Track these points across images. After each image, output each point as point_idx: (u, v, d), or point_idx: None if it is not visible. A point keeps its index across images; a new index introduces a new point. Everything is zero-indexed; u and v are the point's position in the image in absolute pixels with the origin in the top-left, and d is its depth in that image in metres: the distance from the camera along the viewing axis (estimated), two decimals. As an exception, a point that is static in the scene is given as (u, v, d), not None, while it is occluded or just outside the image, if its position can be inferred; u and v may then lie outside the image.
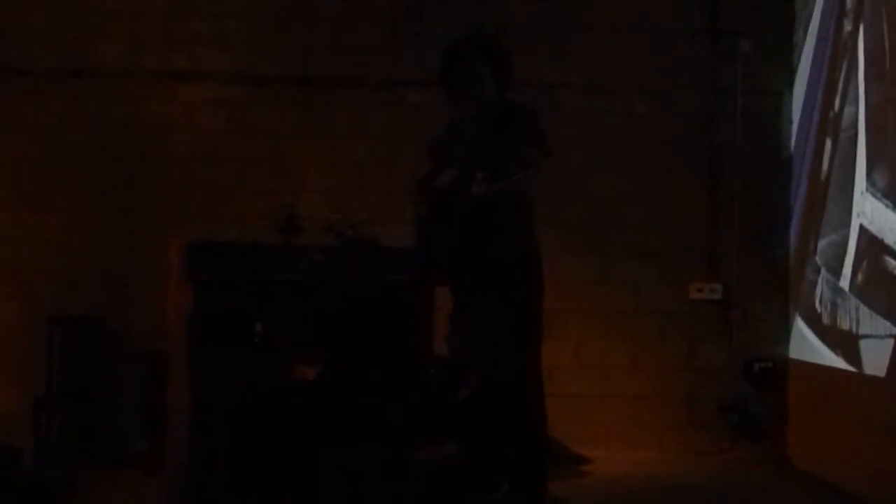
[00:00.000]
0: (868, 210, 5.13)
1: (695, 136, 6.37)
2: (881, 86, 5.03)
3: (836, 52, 5.73)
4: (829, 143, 5.74)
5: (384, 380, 4.63)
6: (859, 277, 5.28)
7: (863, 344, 5.27)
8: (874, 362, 5.08)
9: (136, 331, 5.95)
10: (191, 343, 4.57)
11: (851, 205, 5.32)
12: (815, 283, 5.91)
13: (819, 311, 5.88)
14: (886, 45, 4.96)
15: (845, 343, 5.47)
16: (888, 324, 4.85)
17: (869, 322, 5.15)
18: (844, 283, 5.43)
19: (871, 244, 5.07)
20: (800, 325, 6.16)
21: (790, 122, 6.33)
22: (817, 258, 5.86)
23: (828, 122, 5.82)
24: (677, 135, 6.35)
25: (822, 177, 5.85)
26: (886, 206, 4.87)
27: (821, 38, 5.97)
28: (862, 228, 5.20)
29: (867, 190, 5.14)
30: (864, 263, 5.23)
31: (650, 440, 6.25)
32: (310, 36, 6.28)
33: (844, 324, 5.54)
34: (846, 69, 5.54)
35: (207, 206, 6.14)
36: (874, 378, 5.11)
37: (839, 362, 5.59)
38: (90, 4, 6.25)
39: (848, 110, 5.44)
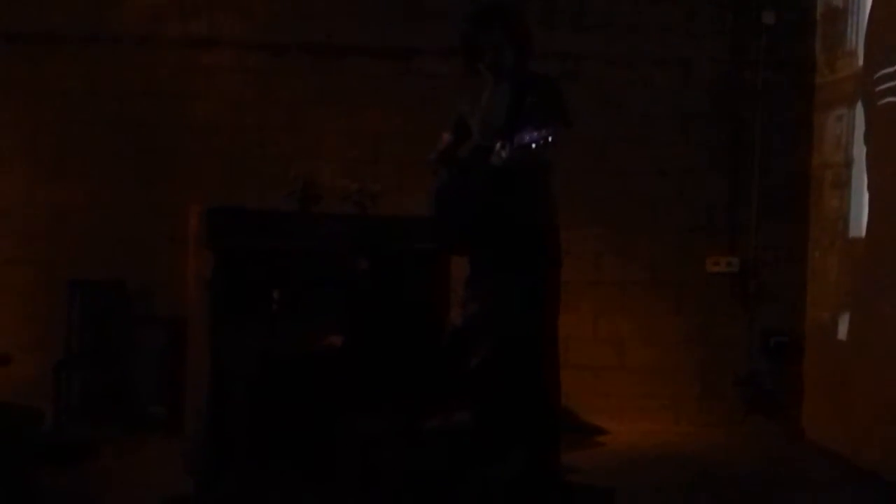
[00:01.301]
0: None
1: (716, 108, 6.33)
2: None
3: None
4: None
5: (400, 348, 4.66)
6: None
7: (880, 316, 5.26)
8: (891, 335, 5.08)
9: (155, 296, 6.00)
10: (209, 309, 4.59)
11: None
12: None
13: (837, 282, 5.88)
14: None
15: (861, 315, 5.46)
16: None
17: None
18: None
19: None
20: (817, 299, 6.16)
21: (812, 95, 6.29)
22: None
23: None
24: (698, 107, 6.31)
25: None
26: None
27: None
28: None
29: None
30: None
31: (665, 412, 6.26)
32: (330, 4, 6.26)
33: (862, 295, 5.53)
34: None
35: (226, 174, 6.15)
36: (890, 352, 5.10)
37: (855, 335, 5.59)
38: (110, -30, 6.25)
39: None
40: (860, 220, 5.69)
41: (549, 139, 3.98)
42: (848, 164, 5.85)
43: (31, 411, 4.72)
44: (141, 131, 6.20)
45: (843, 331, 5.78)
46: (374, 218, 4.97)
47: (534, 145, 3.99)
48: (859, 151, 5.72)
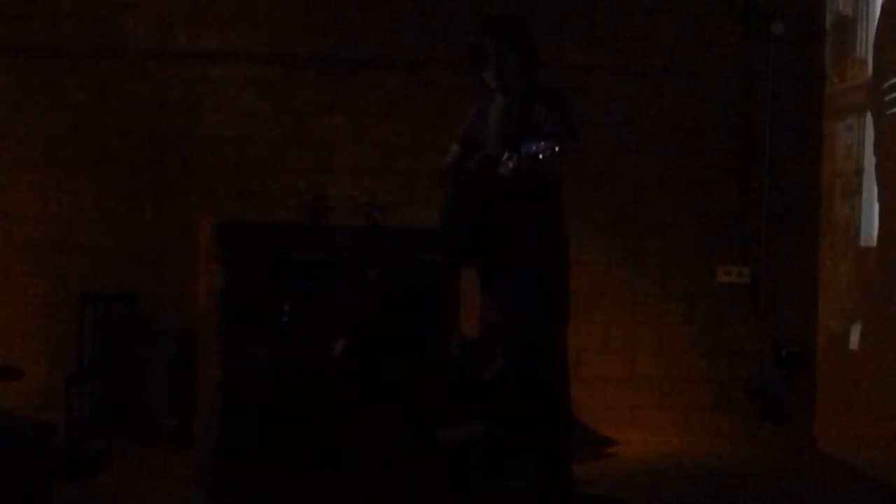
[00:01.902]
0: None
1: (725, 119, 6.33)
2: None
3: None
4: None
5: (410, 360, 4.66)
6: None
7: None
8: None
9: (166, 309, 6.01)
10: (220, 321, 4.60)
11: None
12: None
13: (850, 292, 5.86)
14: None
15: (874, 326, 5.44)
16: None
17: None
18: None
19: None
20: (829, 308, 6.14)
21: (822, 105, 6.28)
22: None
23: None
24: (708, 118, 6.31)
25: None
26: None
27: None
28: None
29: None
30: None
31: (677, 423, 6.24)
32: (339, 16, 6.28)
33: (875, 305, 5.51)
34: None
35: (237, 186, 6.18)
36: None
37: (867, 345, 5.56)
38: (120, -16, 6.29)
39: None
40: (871, 230, 5.68)
41: (556, 150, 3.98)
42: (859, 173, 5.83)
43: (42, 424, 4.72)
44: (151, 144, 6.23)
45: (855, 340, 5.76)
46: (385, 229, 4.98)
47: (541, 156, 4.00)
48: (870, 160, 5.71)
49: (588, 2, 6.29)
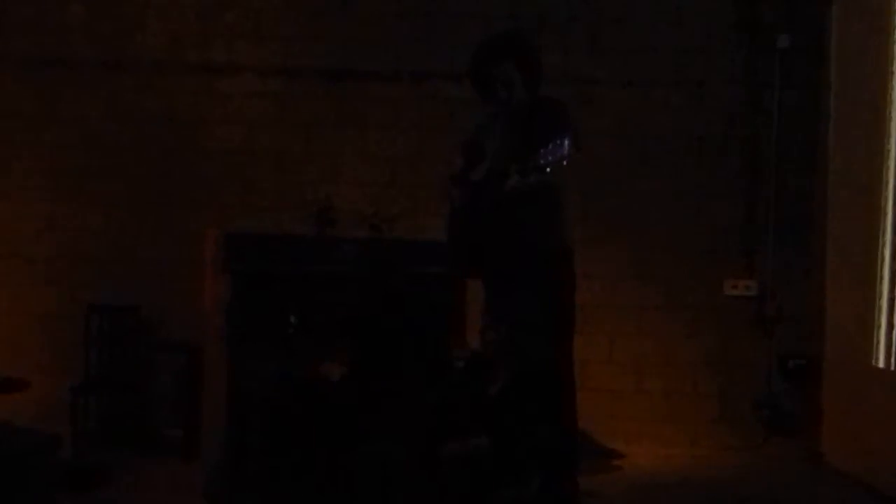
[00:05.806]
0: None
1: (731, 131, 6.33)
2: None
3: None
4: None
5: (415, 372, 4.66)
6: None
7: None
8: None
9: (172, 320, 6.02)
10: (226, 333, 4.61)
11: None
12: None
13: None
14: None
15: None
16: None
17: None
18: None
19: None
20: (838, 321, 6.12)
21: (828, 118, 6.28)
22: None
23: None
24: (713, 130, 6.32)
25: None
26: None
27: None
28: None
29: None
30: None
31: (682, 436, 6.23)
32: (345, 28, 6.31)
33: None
34: None
35: (243, 198, 6.20)
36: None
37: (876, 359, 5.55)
38: (129, -3, 6.33)
39: None
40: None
41: (564, 163, 3.99)
42: (865, 185, 5.82)
43: (48, 436, 4.73)
44: (159, 156, 6.25)
45: (862, 353, 5.73)
46: (390, 241, 4.99)
47: (548, 169, 4.01)
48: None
49: (592, 15, 6.31)
